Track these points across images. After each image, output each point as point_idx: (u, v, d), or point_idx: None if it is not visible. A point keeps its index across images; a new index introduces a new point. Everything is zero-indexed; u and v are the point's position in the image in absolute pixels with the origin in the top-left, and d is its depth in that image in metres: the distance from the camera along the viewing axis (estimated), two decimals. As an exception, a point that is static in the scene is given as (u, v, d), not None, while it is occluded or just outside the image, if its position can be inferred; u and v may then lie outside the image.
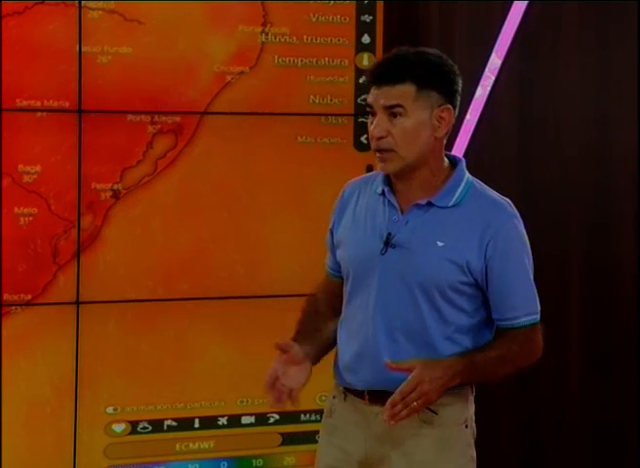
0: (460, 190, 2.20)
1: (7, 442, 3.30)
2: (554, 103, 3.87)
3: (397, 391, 2.05)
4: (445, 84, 2.19)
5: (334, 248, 2.34)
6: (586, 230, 3.88)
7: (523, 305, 2.21)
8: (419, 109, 2.15)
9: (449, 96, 2.19)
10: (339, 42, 3.59)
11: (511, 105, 3.83)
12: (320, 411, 3.54)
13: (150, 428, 3.48)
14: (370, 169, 3.49)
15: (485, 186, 2.25)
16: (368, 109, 2.21)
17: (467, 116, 3.75)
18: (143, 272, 3.43)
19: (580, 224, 3.87)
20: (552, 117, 3.87)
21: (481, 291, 2.19)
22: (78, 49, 3.33)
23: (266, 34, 3.52)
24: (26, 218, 3.31)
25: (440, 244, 2.15)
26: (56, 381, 3.36)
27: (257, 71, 3.51)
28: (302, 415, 3.61)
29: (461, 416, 2.22)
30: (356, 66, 3.59)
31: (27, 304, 3.33)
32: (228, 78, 3.49)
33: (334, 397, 2.32)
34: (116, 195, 3.40)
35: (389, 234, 2.19)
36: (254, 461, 3.59)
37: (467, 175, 2.24)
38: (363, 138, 3.55)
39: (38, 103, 3.31)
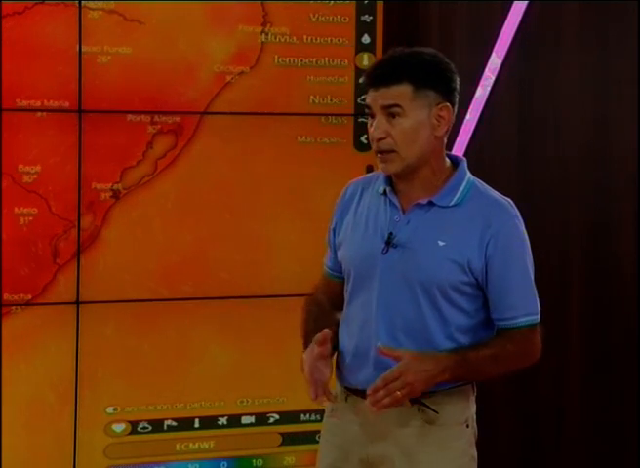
0: (461, 190, 2.21)
1: (7, 442, 3.30)
2: (554, 103, 3.87)
3: (380, 377, 2.05)
4: (442, 82, 2.19)
5: (335, 247, 2.34)
6: (586, 230, 3.88)
7: (522, 305, 2.21)
8: (417, 109, 2.15)
9: (447, 94, 2.19)
10: (339, 42, 3.59)
11: (511, 105, 3.83)
12: (320, 411, 3.54)
13: (150, 428, 3.48)
14: (370, 169, 3.49)
15: (487, 186, 2.26)
16: (366, 111, 2.22)
17: (467, 116, 3.75)
18: (143, 272, 3.43)
19: (580, 224, 3.87)
20: (552, 117, 3.87)
21: (482, 291, 2.19)
22: (78, 49, 3.33)
23: (266, 34, 3.52)
24: (26, 218, 3.31)
25: (441, 243, 2.16)
26: (56, 381, 3.36)
27: (257, 71, 3.51)
28: (302, 415, 3.61)
29: (463, 416, 2.22)
30: (356, 66, 3.59)
31: (27, 304, 3.33)
32: (228, 78, 3.49)
33: (335, 397, 2.32)
34: (116, 195, 3.41)
35: (390, 234, 2.20)
36: (254, 461, 3.59)
37: (469, 174, 2.25)
38: (363, 138, 3.55)
39: (38, 103, 3.31)
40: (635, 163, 3.84)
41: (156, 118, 3.44)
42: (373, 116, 2.19)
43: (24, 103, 3.30)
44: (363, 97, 2.24)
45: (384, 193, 2.25)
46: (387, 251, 2.19)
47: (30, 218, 3.32)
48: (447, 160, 2.26)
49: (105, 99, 3.37)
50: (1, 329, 3.30)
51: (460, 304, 2.18)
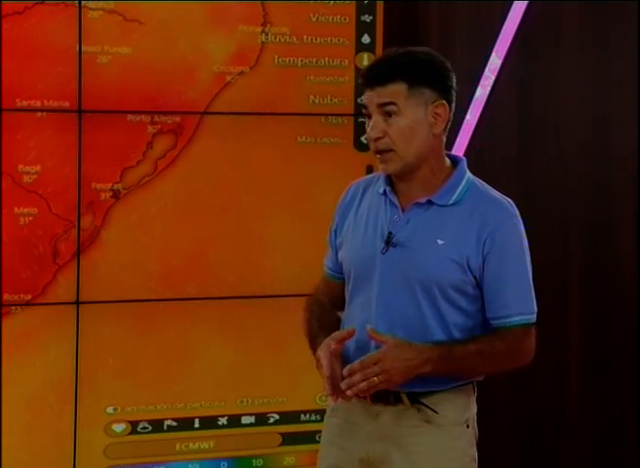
0: (460, 189, 2.21)
1: (7, 442, 3.30)
2: (554, 103, 3.87)
3: (358, 360, 2.05)
4: (437, 80, 2.20)
5: (336, 248, 2.35)
6: (586, 230, 3.88)
7: (516, 304, 2.19)
8: (412, 107, 2.16)
9: (442, 91, 2.20)
10: (339, 42, 3.59)
11: (511, 105, 3.83)
12: (320, 411, 3.56)
13: (150, 428, 3.48)
14: (370, 168, 3.49)
15: (486, 186, 2.26)
16: (364, 111, 2.23)
17: (467, 116, 3.75)
18: (143, 272, 3.43)
19: (580, 224, 3.88)
20: (552, 117, 3.87)
21: (482, 291, 2.19)
22: (78, 49, 3.33)
23: (266, 34, 3.52)
24: (26, 218, 3.31)
25: (440, 242, 2.16)
26: (56, 381, 3.36)
27: (257, 71, 3.51)
28: (302, 415, 3.61)
29: (463, 416, 2.22)
30: (356, 66, 3.59)
31: (27, 304, 3.33)
32: (228, 78, 3.49)
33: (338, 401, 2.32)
34: (116, 195, 3.40)
35: (390, 233, 2.20)
36: (254, 461, 3.59)
37: (468, 174, 2.25)
38: (363, 138, 3.55)
39: (38, 103, 3.31)
40: (635, 163, 3.84)
41: (156, 118, 3.43)
42: (370, 116, 2.20)
43: (24, 103, 3.30)
44: (362, 97, 2.24)
45: (384, 193, 2.25)
46: (387, 250, 2.20)
47: (30, 218, 3.32)
48: (446, 159, 2.26)
49: (105, 99, 3.37)
50: (1, 329, 3.30)
51: (459, 304, 2.18)
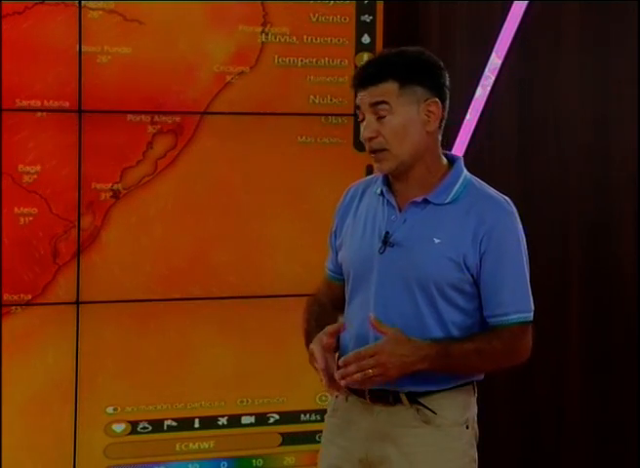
0: (457, 187, 2.21)
1: (7, 442, 3.30)
2: (554, 103, 3.87)
3: (354, 351, 2.05)
4: (428, 78, 2.20)
5: (336, 250, 2.35)
6: (586, 230, 3.88)
7: (513, 302, 2.19)
8: (404, 105, 2.17)
9: (435, 89, 2.20)
10: (339, 42, 3.59)
11: (511, 105, 3.83)
12: (320, 411, 3.56)
13: (150, 428, 3.48)
14: (370, 168, 3.49)
15: (484, 184, 2.26)
16: (357, 112, 2.23)
17: (467, 116, 3.75)
18: (143, 272, 3.43)
19: (580, 224, 3.88)
20: (552, 117, 3.88)
21: (479, 289, 2.19)
22: (78, 49, 3.33)
23: (266, 34, 3.52)
24: (26, 218, 3.31)
25: (437, 241, 2.16)
26: (56, 381, 3.36)
27: (257, 71, 3.51)
28: (302, 415, 3.61)
29: (462, 417, 2.22)
30: (356, 66, 3.58)
31: (27, 304, 3.33)
32: (228, 78, 3.49)
33: (337, 396, 2.32)
34: (116, 195, 3.40)
35: (387, 233, 2.20)
36: (254, 461, 3.59)
37: (465, 172, 2.25)
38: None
39: (38, 103, 3.31)
40: (635, 163, 3.84)
41: (156, 118, 3.43)
42: (363, 117, 2.21)
43: (24, 103, 3.30)
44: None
45: (382, 194, 2.26)
46: (384, 250, 2.20)
47: (30, 218, 3.32)
48: (443, 158, 2.26)
49: (105, 99, 3.37)
50: (1, 329, 3.29)
51: (457, 303, 2.18)
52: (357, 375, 2.04)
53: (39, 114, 3.31)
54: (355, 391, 2.25)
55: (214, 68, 3.47)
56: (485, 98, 3.76)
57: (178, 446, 3.51)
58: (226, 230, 3.51)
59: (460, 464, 2.22)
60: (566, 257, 3.88)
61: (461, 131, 3.74)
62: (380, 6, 3.63)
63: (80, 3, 3.33)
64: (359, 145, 3.56)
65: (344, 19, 3.60)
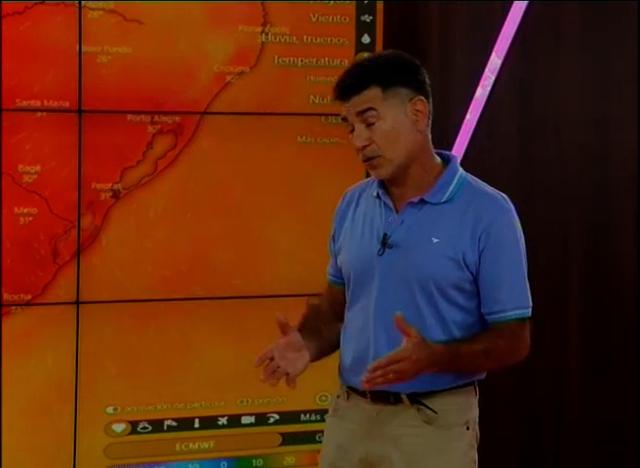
0: (452, 186, 2.21)
1: (7, 442, 3.30)
2: (554, 103, 3.87)
3: (386, 357, 2.03)
4: (409, 77, 2.20)
5: (335, 255, 2.35)
6: (586, 230, 3.88)
7: (511, 298, 2.18)
8: (390, 108, 2.17)
9: (417, 88, 2.20)
10: (339, 42, 3.59)
11: (511, 105, 3.83)
12: (320, 411, 3.56)
13: (150, 428, 3.48)
14: (370, 169, 3.49)
15: (480, 182, 2.26)
16: (345, 123, 2.23)
17: (467, 116, 3.75)
18: (143, 272, 3.43)
19: (580, 224, 3.88)
20: (552, 117, 3.88)
21: (478, 287, 2.19)
22: (78, 49, 3.33)
23: (266, 34, 3.52)
24: (26, 218, 3.31)
25: (435, 240, 2.16)
26: (56, 381, 3.36)
27: (257, 71, 3.51)
28: (302, 415, 3.61)
29: (463, 418, 2.21)
30: (356, 66, 3.59)
31: (27, 304, 3.33)
32: (228, 78, 3.49)
33: (338, 396, 2.33)
34: (116, 195, 3.40)
35: (385, 235, 2.20)
36: (254, 461, 3.59)
37: (461, 170, 2.25)
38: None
39: (38, 103, 3.31)
40: (635, 163, 3.84)
41: (156, 118, 3.43)
42: (352, 128, 2.21)
43: (24, 103, 3.30)
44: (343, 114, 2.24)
45: (378, 196, 2.26)
46: (383, 252, 2.20)
47: (30, 218, 3.32)
48: (437, 157, 2.26)
49: (105, 99, 3.37)
50: (1, 329, 3.30)
51: (458, 302, 2.18)
52: (379, 380, 2.03)
53: (39, 114, 3.31)
54: (356, 391, 2.25)
55: (214, 68, 3.47)
56: (485, 98, 3.76)
57: (178, 446, 3.51)
58: (226, 230, 3.51)
59: (461, 465, 2.22)
60: (566, 257, 3.88)
61: (461, 131, 3.74)
62: (379, 6, 3.63)
63: (80, 3, 3.33)
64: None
65: (344, 19, 3.60)
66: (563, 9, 3.83)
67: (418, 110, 2.18)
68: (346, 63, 3.57)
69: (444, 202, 2.19)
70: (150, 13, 3.40)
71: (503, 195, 2.23)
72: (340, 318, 2.33)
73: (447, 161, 2.26)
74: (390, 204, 2.23)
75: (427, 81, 2.23)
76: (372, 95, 2.16)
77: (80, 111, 3.35)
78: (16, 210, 3.30)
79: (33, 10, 3.28)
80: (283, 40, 3.54)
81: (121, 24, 3.37)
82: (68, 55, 3.33)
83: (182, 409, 3.50)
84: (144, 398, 3.46)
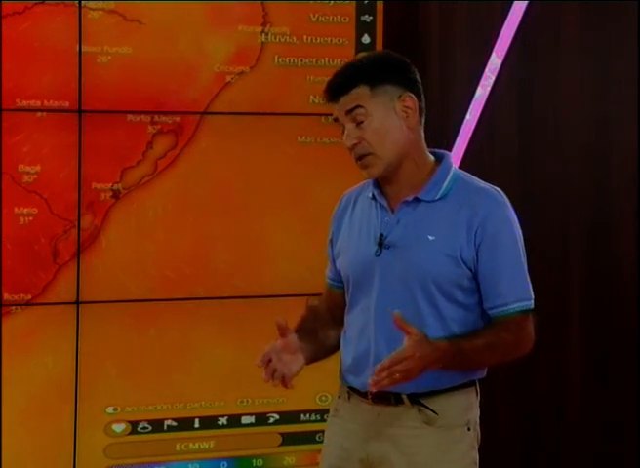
0: (446, 183, 2.21)
1: (7, 442, 3.30)
2: (554, 103, 3.87)
3: (389, 358, 2.02)
4: (397, 74, 2.21)
5: (333, 258, 2.36)
6: (586, 230, 3.88)
7: (513, 292, 2.18)
8: (378, 105, 2.17)
9: (406, 85, 2.21)
10: (339, 42, 3.59)
11: (511, 105, 3.83)
12: (320, 411, 3.56)
13: (150, 428, 3.48)
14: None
15: (473, 177, 2.26)
16: (336, 123, 2.24)
17: (467, 116, 3.75)
18: (143, 272, 3.43)
19: (580, 224, 3.88)
20: (552, 117, 3.88)
21: (478, 282, 2.19)
22: (78, 49, 3.33)
23: (266, 34, 3.52)
24: (26, 218, 3.31)
25: (431, 238, 2.16)
26: (56, 381, 3.36)
27: (257, 71, 3.51)
28: (302, 415, 3.61)
29: (463, 419, 2.21)
30: (356, 66, 3.59)
31: (27, 304, 3.33)
32: (228, 78, 3.49)
33: (339, 397, 2.33)
34: (116, 195, 3.41)
35: (381, 235, 2.20)
36: (254, 461, 3.59)
37: (454, 167, 2.25)
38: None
39: (38, 103, 3.31)
40: (635, 163, 3.84)
41: (156, 118, 3.43)
42: (344, 128, 2.21)
43: (24, 103, 3.30)
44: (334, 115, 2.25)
45: (373, 197, 2.26)
46: (381, 252, 2.20)
47: (30, 218, 3.32)
48: (430, 155, 2.26)
49: (105, 99, 3.37)
50: (1, 329, 3.30)
51: (457, 299, 2.18)
52: (386, 381, 2.02)
53: (39, 114, 3.31)
54: (357, 392, 2.25)
55: (214, 68, 3.48)
56: (485, 98, 3.76)
57: (178, 446, 3.51)
58: (226, 230, 3.51)
59: (461, 466, 2.21)
60: (566, 257, 3.88)
61: (461, 131, 3.74)
62: (380, 6, 3.63)
63: (80, 3, 3.33)
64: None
65: (344, 19, 3.60)
66: (563, 9, 3.84)
67: (407, 107, 2.19)
68: (346, 63, 3.58)
69: (438, 199, 2.20)
70: (150, 13, 3.40)
71: (497, 189, 2.23)
72: (338, 322, 2.33)
73: (440, 159, 2.27)
74: (385, 204, 2.23)
75: (418, 79, 2.24)
76: (359, 93, 2.17)
77: (80, 111, 3.35)
78: (16, 210, 3.30)
79: (33, 10, 3.29)
80: (283, 40, 3.54)
81: (121, 24, 3.37)
82: (68, 55, 3.33)
83: (182, 409, 3.50)
84: (144, 398, 3.46)
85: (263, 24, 3.52)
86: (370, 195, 2.27)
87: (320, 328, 2.33)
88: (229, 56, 3.49)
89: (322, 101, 2.29)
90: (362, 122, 2.17)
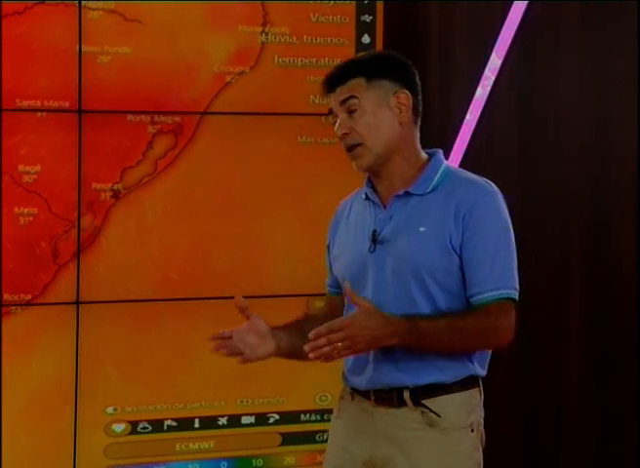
0: (437, 177, 2.22)
1: (7, 442, 3.30)
2: (554, 103, 3.87)
3: (325, 324, 2.02)
4: (395, 71, 2.23)
5: (331, 265, 2.37)
6: (586, 230, 3.88)
7: (491, 279, 2.14)
8: (372, 98, 2.20)
9: (403, 82, 2.23)
10: (339, 42, 3.59)
11: (511, 105, 3.83)
12: (320, 411, 3.56)
13: (150, 428, 3.48)
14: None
15: (465, 172, 2.27)
16: (330, 115, 2.26)
17: (467, 116, 3.75)
18: (143, 272, 3.43)
19: (580, 224, 3.87)
20: (552, 117, 3.88)
21: None
22: (78, 49, 3.33)
23: (266, 34, 3.52)
24: (26, 218, 3.31)
25: (422, 229, 2.17)
26: (56, 381, 3.36)
27: (257, 71, 3.51)
28: (302, 415, 3.61)
29: (467, 420, 2.20)
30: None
31: (27, 304, 3.33)
32: (228, 78, 3.49)
33: (342, 398, 2.33)
34: (116, 195, 3.41)
35: (374, 231, 2.21)
36: (254, 461, 3.59)
37: (445, 163, 2.26)
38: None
39: (38, 103, 3.31)
40: (635, 163, 3.84)
41: (156, 118, 3.44)
42: (336, 118, 2.24)
43: (24, 103, 3.30)
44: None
45: (367, 197, 2.27)
46: (375, 248, 2.21)
47: (30, 218, 3.32)
48: (423, 153, 2.27)
49: (105, 99, 3.37)
50: (1, 329, 3.30)
51: (452, 289, 2.16)
52: (326, 349, 2.00)
53: (39, 114, 3.32)
54: (360, 393, 2.25)
55: (214, 68, 3.48)
56: (485, 98, 3.76)
57: (178, 446, 3.51)
58: (226, 230, 3.51)
59: (464, 467, 2.21)
60: (566, 257, 3.88)
61: (461, 131, 3.74)
62: (380, 6, 3.63)
63: (80, 3, 3.33)
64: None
65: (344, 19, 3.60)
66: (563, 9, 3.83)
67: (401, 103, 2.21)
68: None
69: (429, 192, 2.20)
70: (150, 13, 3.40)
71: (487, 180, 2.23)
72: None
73: (432, 156, 2.28)
74: (378, 201, 2.25)
75: (417, 81, 2.26)
76: (355, 84, 2.20)
77: (80, 111, 3.35)
78: (16, 210, 3.30)
79: (33, 10, 3.29)
80: (283, 40, 3.54)
81: (121, 24, 3.37)
82: (68, 55, 3.33)
83: (182, 409, 3.50)
84: (144, 398, 3.46)
85: (263, 24, 3.52)
86: (364, 196, 2.29)
87: (312, 325, 2.31)
88: (229, 56, 3.49)
89: (322, 101, 2.30)
90: (354, 111, 2.19)
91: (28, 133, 3.31)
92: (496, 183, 2.29)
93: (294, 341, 2.26)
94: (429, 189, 2.20)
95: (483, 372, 2.25)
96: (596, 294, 3.88)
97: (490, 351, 2.25)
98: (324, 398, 3.55)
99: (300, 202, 3.56)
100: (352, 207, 2.34)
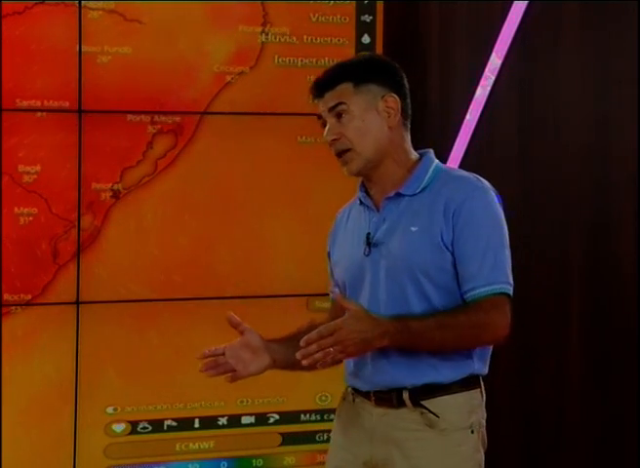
0: (427, 176, 2.22)
1: (7, 442, 3.30)
2: (554, 103, 3.87)
3: (316, 331, 2.01)
4: (382, 75, 2.23)
5: (332, 272, 2.37)
6: (586, 230, 3.88)
7: (482, 275, 2.13)
8: (360, 102, 2.20)
9: (391, 86, 2.22)
10: (339, 42, 3.59)
11: (511, 105, 3.83)
12: (320, 411, 3.57)
13: (150, 428, 3.48)
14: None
15: (455, 169, 2.27)
16: (320, 121, 2.25)
17: (467, 116, 3.75)
18: (143, 272, 3.43)
19: (580, 224, 3.87)
20: (552, 117, 3.88)
21: None
22: (78, 49, 3.33)
23: (266, 34, 3.52)
24: (26, 218, 3.31)
25: (414, 229, 2.17)
26: (56, 381, 3.36)
27: (257, 71, 3.52)
28: (302, 415, 3.61)
29: (467, 421, 2.19)
30: (356, 66, 3.59)
31: (27, 304, 3.33)
32: (228, 78, 3.49)
33: (344, 399, 2.32)
34: (116, 195, 3.41)
35: (368, 234, 2.21)
36: (254, 461, 3.59)
37: (436, 162, 2.26)
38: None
39: (38, 103, 3.31)
40: (635, 163, 3.84)
41: (156, 118, 3.44)
42: (325, 126, 2.23)
43: (24, 103, 3.30)
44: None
45: (361, 202, 2.28)
46: (369, 252, 2.21)
47: (30, 218, 3.32)
48: (415, 154, 2.27)
49: (105, 99, 3.37)
50: (1, 329, 3.30)
51: (447, 286, 2.15)
52: (318, 355, 2.00)
53: (39, 114, 3.32)
54: (361, 394, 2.25)
55: (214, 68, 3.48)
56: (485, 98, 3.76)
57: (178, 446, 3.51)
58: (226, 230, 3.51)
59: (465, 468, 2.21)
60: (566, 257, 3.88)
61: (461, 131, 3.73)
62: (380, 6, 3.63)
63: (80, 3, 3.33)
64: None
65: (344, 19, 3.60)
66: (563, 9, 3.83)
67: (389, 107, 2.21)
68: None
69: (419, 192, 2.20)
70: (150, 13, 3.40)
71: (477, 176, 2.23)
72: None
73: (423, 156, 2.28)
74: (371, 204, 2.25)
75: (405, 84, 2.26)
76: (343, 89, 2.20)
77: (80, 111, 3.35)
78: (16, 210, 3.30)
79: (33, 10, 3.29)
80: (283, 40, 3.54)
81: (121, 24, 3.37)
82: (68, 55, 3.33)
83: (182, 409, 3.50)
84: (144, 398, 3.46)
85: (263, 24, 3.52)
86: (358, 201, 2.29)
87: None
88: (229, 56, 3.49)
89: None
90: (343, 116, 2.19)
91: (28, 133, 3.31)
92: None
93: (290, 353, 2.25)
94: (419, 189, 2.20)
95: (484, 370, 2.24)
96: (596, 294, 3.88)
97: (490, 347, 2.25)
98: (324, 398, 3.55)
99: (300, 202, 3.56)
100: (350, 213, 2.35)
